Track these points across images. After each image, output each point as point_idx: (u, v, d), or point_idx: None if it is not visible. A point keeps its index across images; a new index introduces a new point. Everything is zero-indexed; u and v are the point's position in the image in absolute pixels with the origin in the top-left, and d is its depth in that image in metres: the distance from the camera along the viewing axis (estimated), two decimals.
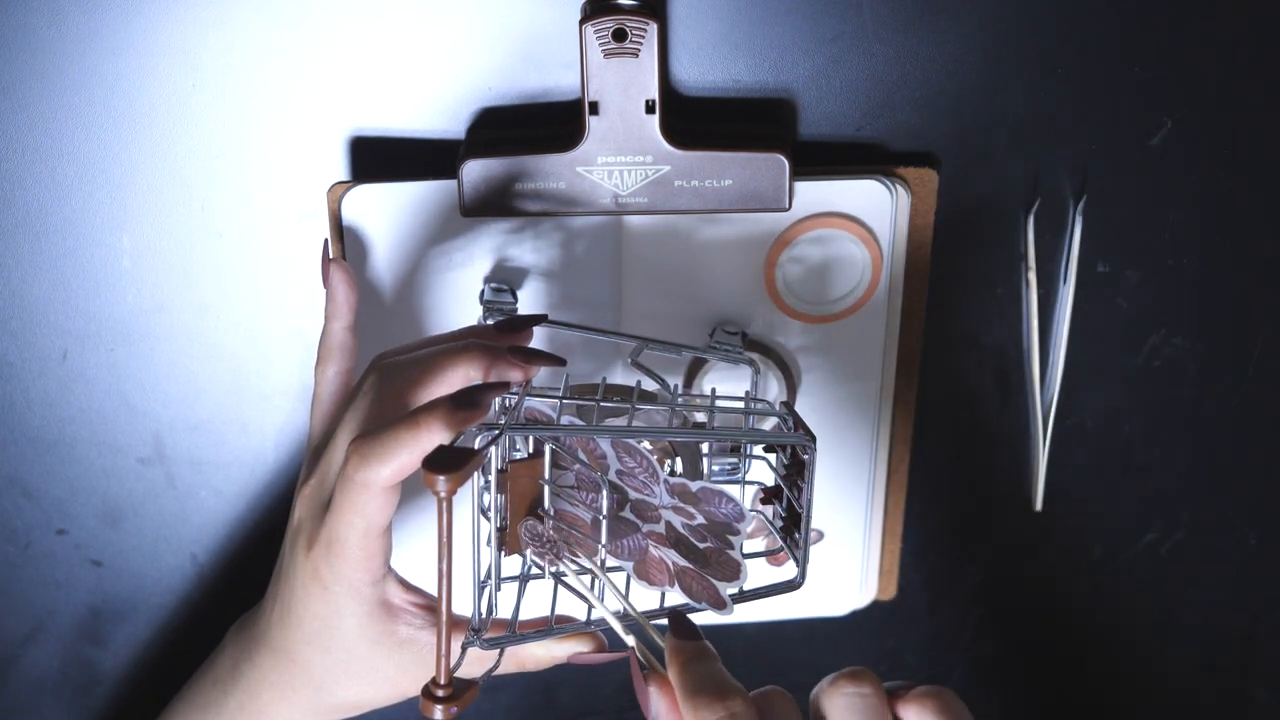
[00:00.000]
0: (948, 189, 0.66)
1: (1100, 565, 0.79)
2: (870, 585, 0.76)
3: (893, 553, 0.76)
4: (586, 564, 0.56)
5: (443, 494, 0.46)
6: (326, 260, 0.60)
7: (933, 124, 0.65)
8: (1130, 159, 0.67)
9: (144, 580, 0.74)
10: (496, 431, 0.51)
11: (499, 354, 0.55)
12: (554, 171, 0.62)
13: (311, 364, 0.62)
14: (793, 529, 0.57)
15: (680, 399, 0.59)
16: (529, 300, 0.66)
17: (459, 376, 0.54)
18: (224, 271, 0.67)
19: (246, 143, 0.64)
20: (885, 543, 0.75)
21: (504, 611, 0.55)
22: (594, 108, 0.60)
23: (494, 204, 0.62)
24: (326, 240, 0.63)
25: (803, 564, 0.56)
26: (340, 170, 0.65)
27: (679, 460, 0.61)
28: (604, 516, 0.54)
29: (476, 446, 0.50)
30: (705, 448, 0.61)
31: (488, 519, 0.55)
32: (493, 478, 0.54)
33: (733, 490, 0.55)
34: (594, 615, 0.56)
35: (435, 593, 0.49)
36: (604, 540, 0.55)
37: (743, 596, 0.56)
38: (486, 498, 0.55)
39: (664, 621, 0.53)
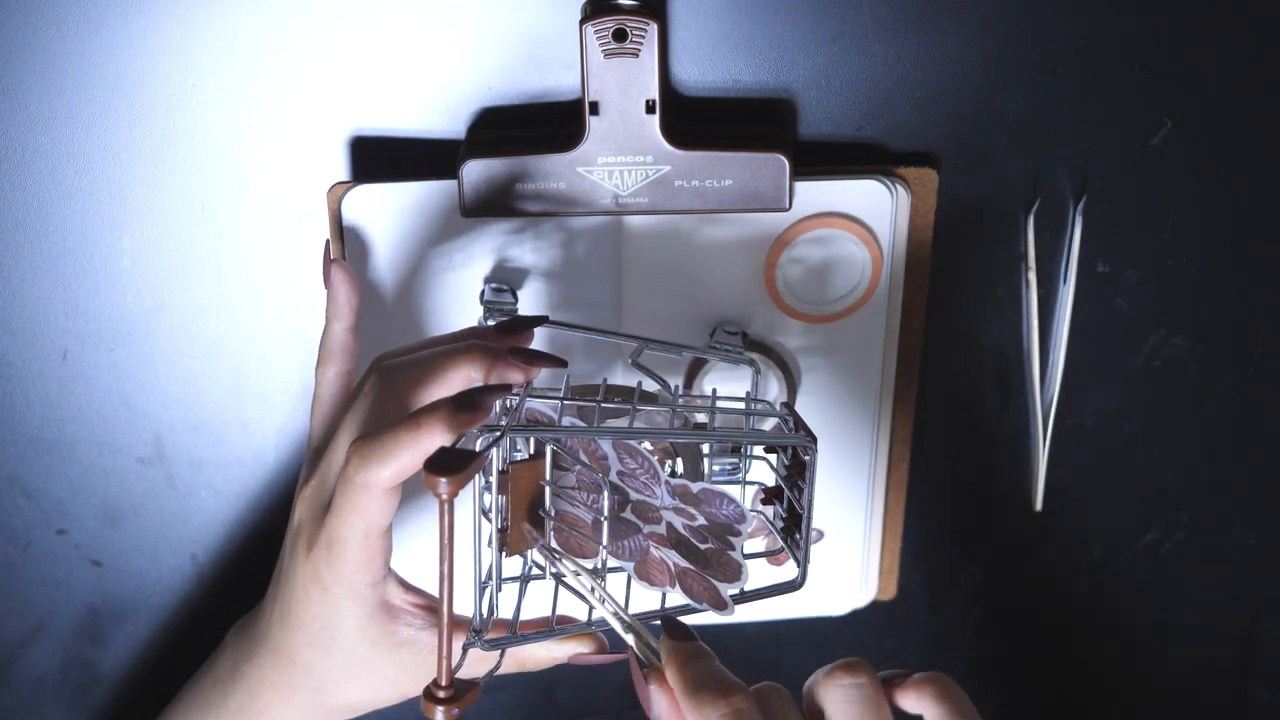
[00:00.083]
0: (948, 189, 0.66)
1: (1100, 565, 0.79)
2: (870, 585, 0.76)
3: (893, 553, 0.76)
4: (583, 564, 0.56)
5: (444, 496, 0.46)
6: (328, 261, 0.60)
7: (933, 124, 0.65)
8: (1130, 159, 0.67)
9: (144, 580, 0.74)
10: (498, 433, 0.51)
11: (500, 355, 0.55)
12: (554, 171, 0.62)
13: (312, 364, 0.62)
14: (793, 529, 0.57)
15: (681, 400, 0.59)
16: (529, 301, 0.66)
17: (460, 378, 0.54)
18: (224, 271, 0.67)
19: (246, 143, 0.64)
20: (885, 543, 0.75)
21: (505, 612, 0.55)
22: (594, 108, 0.60)
23: (494, 204, 0.62)
24: (328, 241, 0.63)
25: (803, 564, 0.56)
26: (340, 170, 0.65)
27: (680, 461, 0.61)
28: (605, 517, 0.54)
29: (478, 448, 0.50)
30: (706, 448, 0.61)
31: (489, 520, 0.55)
32: (494, 479, 0.54)
33: (733, 491, 0.55)
34: (594, 616, 0.56)
35: (436, 594, 0.49)
36: (605, 541, 0.55)
37: (743, 597, 0.56)
38: (487, 499, 0.55)
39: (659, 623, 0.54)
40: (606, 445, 0.54)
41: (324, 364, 0.61)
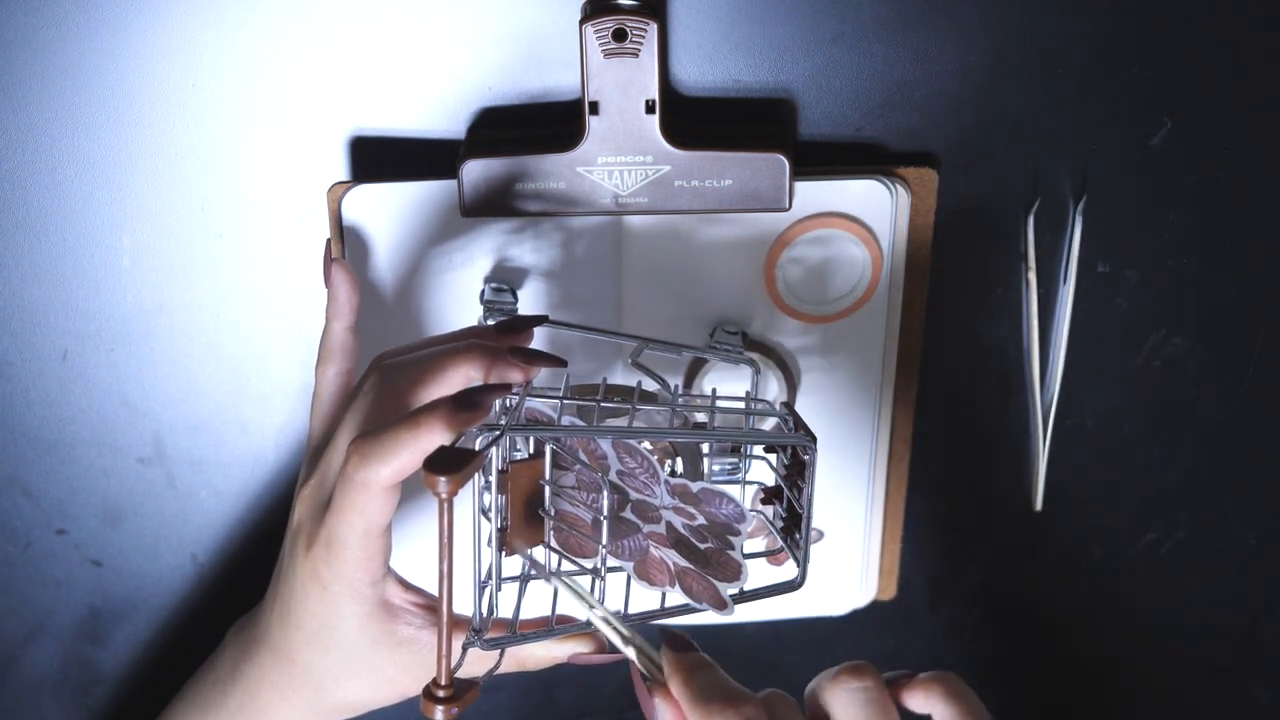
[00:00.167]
0: (948, 189, 0.66)
1: (1100, 565, 0.79)
2: (870, 585, 0.76)
3: (893, 553, 0.76)
4: (581, 585, 0.56)
5: (443, 495, 0.46)
6: (328, 260, 0.60)
7: (933, 124, 0.65)
8: (1130, 159, 0.67)
9: (144, 580, 0.74)
10: (497, 432, 0.51)
11: (500, 355, 0.55)
12: (554, 171, 0.62)
13: (311, 364, 0.62)
14: (793, 529, 0.57)
15: (680, 399, 0.59)
16: (529, 300, 0.66)
17: (459, 377, 0.54)
18: (224, 271, 0.67)
19: (246, 143, 0.64)
20: (885, 543, 0.75)
21: (504, 611, 0.55)
22: (594, 108, 0.60)
23: (494, 204, 0.62)
24: (329, 240, 0.63)
25: (803, 564, 0.56)
26: (340, 170, 0.65)
27: (679, 460, 0.61)
28: (605, 517, 0.54)
29: (477, 447, 0.50)
30: (706, 448, 0.61)
31: (488, 519, 0.55)
32: (493, 478, 0.54)
33: (733, 490, 0.55)
34: (593, 619, 0.56)
35: (435, 593, 0.49)
36: (605, 541, 0.55)
37: (743, 597, 0.56)
38: (487, 498, 0.55)
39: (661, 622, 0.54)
40: (606, 445, 0.54)
41: (324, 363, 0.61)
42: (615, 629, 0.53)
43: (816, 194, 0.64)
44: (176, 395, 0.69)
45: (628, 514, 0.55)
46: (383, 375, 0.55)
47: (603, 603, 0.55)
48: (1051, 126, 0.66)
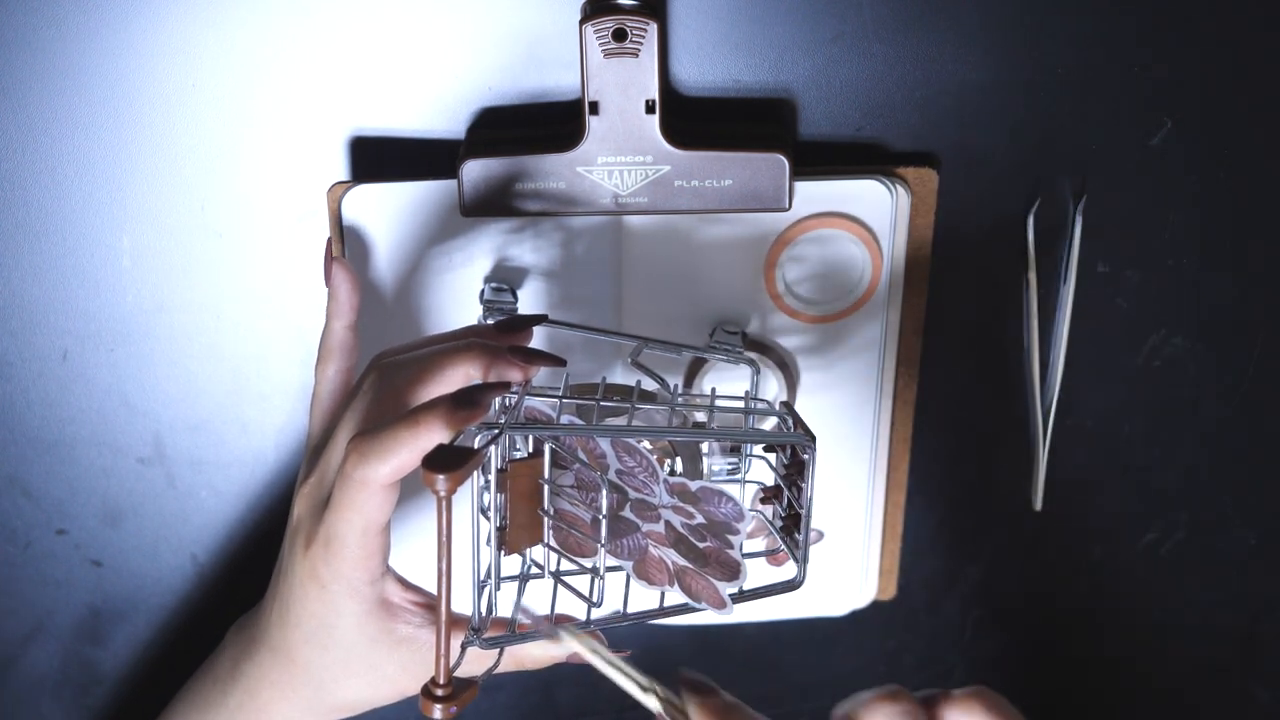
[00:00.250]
0: (948, 189, 0.66)
1: (1100, 565, 0.79)
2: (870, 585, 0.76)
3: (893, 553, 0.76)
4: (583, 562, 0.56)
5: (442, 493, 0.46)
6: (329, 259, 0.60)
7: (933, 124, 0.65)
8: (1130, 159, 0.67)
9: (144, 580, 0.74)
10: (496, 431, 0.51)
11: (499, 353, 0.55)
12: (554, 171, 0.62)
13: (311, 364, 0.62)
14: (793, 529, 0.57)
15: (680, 399, 0.59)
16: (529, 300, 0.66)
17: (459, 376, 0.54)
18: (224, 271, 0.67)
19: (246, 143, 0.64)
20: (885, 543, 0.75)
21: (503, 610, 0.55)
22: (594, 108, 0.60)
23: (494, 204, 0.62)
24: (330, 239, 0.63)
25: (803, 564, 0.56)
26: (340, 170, 0.65)
27: (679, 460, 0.61)
28: (604, 516, 0.54)
29: (476, 446, 0.50)
30: (705, 447, 0.61)
31: (487, 518, 0.55)
32: (492, 477, 0.54)
33: (732, 490, 0.55)
34: (595, 623, 0.56)
35: (434, 591, 0.49)
36: (604, 540, 0.55)
37: (742, 596, 0.56)
38: (486, 497, 0.55)
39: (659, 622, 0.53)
40: (605, 444, 0.54)
41: (324, 362, 0.61)
42: (632, 680, 0.51)
43: (816, 194, 0.64)
44: (176, 395, 0.70)
45: (627, 513, 0.55)
46: (382, 374, 0.55)
47: (600, 603, 0.55)
48: (1051, 126, 0.66)
